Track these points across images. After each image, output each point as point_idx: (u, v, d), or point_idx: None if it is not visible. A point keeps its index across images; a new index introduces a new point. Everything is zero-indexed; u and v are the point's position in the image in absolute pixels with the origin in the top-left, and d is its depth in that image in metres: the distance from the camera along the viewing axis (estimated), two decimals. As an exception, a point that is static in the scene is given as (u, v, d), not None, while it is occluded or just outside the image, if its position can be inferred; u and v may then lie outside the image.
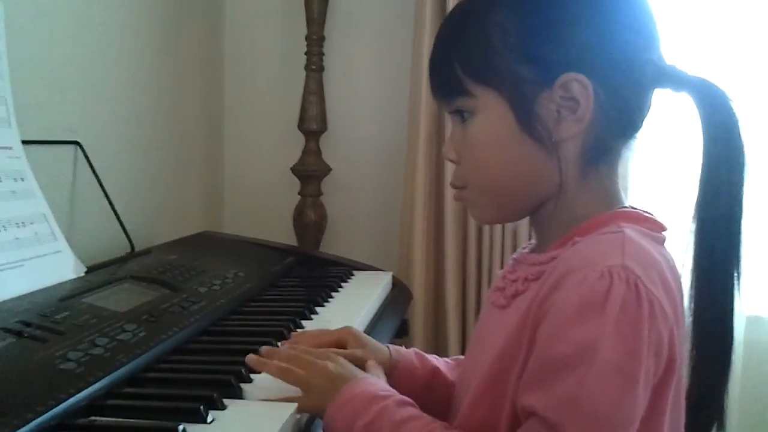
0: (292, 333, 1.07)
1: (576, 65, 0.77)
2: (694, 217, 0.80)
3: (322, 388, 0.85)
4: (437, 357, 1.05)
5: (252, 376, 0.90)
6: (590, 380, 0.68)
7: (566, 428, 0.68)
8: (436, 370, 1.01)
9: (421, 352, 1.04)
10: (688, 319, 0.80)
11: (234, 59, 2.23)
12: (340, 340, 1.00)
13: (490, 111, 0.81)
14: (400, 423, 0.79)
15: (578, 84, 0.77)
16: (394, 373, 0.98)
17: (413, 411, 0.82)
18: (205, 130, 2.12)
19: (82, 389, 0.79)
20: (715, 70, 1.83)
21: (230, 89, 2.24)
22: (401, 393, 0.86)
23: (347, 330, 1.02)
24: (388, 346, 1.02)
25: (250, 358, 0.91)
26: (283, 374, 0.88)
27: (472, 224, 1.95)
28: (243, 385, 0.87)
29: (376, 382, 0.88)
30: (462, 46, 0.82)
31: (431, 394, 0.97)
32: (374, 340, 1.03)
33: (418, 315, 1.96)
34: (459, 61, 0.82)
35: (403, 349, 1.03)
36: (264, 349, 0.94)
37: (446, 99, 0.86)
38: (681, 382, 0.77)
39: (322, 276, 1.53)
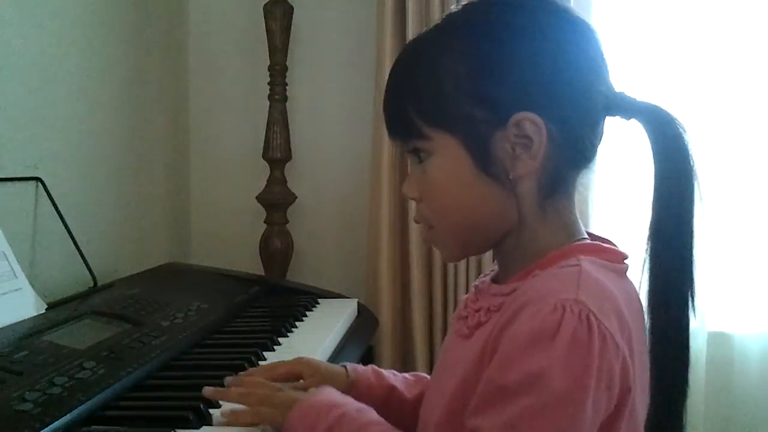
0: (244, 372, 1.06)
1: (527, 104, 0.79)
2: (647, 239, 0.81)
3: (283, 402, 0.89)
4: (395, 373, 1.07)
5: (211, 411, 0.91)
6: (534, 408, 0.70)
7: None
8: (392, 388, 1.03)
9: (378, 369, 1.06)
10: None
11: (198, 90, 2.24)
12: (294, 372, 1.01)
13: (447, 153, 0.82)
14: (361, 427, 0.83)
15: (530, 123, 0.79)
16: (352, 392, 1.00)
17: (372, 416, 0.86)
18: (170, 161, 2.12)
19: (39, 430, 0.79)
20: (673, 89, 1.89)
21: (195, 120, 2.25)
22: None
23: (300, 361, 1.03)
24: (345, 366, 1.04)
25: (207, 390, 0.93)
26: (242, 399, 0.91)
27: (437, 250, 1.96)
28: (202, 422, 0.88)
29: (334, 391, 0.92)
30: (414, 91, 0.84)
31: (388, 411, 0.99)
32: (329, 364, 1.06)
33: (386, 340, 1.97)
34: (412, 106, 0.83)
35: (360, 367, 1.05)
36: (214, 391, 0.95)
37: (402, 141, 0.87)
38: (636, 410, 0.78)
39: (287, 305, 1.53)
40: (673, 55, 1.95)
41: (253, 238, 2.11)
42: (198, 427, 0.87)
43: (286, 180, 2.09)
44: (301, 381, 1.00)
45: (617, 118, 0.84)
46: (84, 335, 1.10)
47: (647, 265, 0.81)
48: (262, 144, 2.06)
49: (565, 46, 0.81)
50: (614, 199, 1.94)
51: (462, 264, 1.93)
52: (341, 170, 2.20)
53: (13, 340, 1.03)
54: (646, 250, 0.81)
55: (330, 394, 0.90)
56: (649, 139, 0.81)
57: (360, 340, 1.46)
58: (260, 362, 1.12)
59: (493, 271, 0.91)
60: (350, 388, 1.00)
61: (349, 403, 0.87)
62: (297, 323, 1.40)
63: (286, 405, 0.88)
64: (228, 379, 0.97)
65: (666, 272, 0.80)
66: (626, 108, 0.83)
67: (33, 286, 1.23)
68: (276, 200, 2.07)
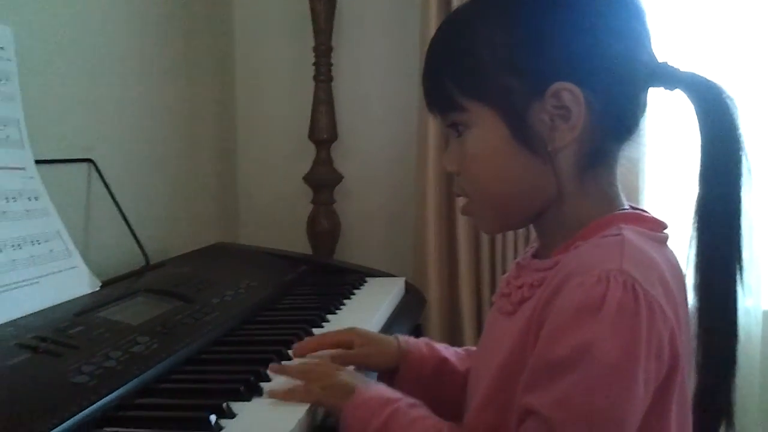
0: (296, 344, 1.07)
1: (565, 74, 0.78)
2: (695, 213, 0.80)
3: (337, 386, 0.89)
4: (447, 347, 1.07)
5: (262, 384, 0.92)
6: (586, 381, 0.69)
7: (562, 426, 0.69)
8: (444, 360, 1.03)
9: (431, 342, 1.07)
10: (693, 316, 0.81)
11: (244, 72, 2.26)
12: (343, 342, 1.03)
13: (484, 124, 0.82)
14: (411, 423, 0.83)
15: (568, 93, 0.78)
16: (404, 362, 1.01)
17: (423, 411, 0.85)
18: (217, 143, 2.15)
19: (95, 401, 0.81)
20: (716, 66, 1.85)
21: (241, 102, 2.27)
22: (410, 381, 0.92)
23: (351, 330, 1.04)
24: (397, 337, 1.05)
25: (273, 366, 0.94)
26: (301, 375, 0.92)
27: (485, 228, 1.95)
28: (253, 394, 0.89)
29: (385, 387, 0.92)
30: (451, 62, 0.84)
31: (440, 383, 1.00)
32: (380, 335, 1.07)
33: (434, 319, 1.97)
34: (450, 78, 0.83)
35: (412, 339, 1.06)
36: (279, 367, 0.96)
37: (441, 113, 0.87)
38: (686, 381, 0.78)
39: (335, 283, 1.54)
40: (725, 25, 1.90)
41: (300, 218, 2.12)
42: (249, 399, 0.88)
43: (332, 160, 2.10)
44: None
45: (661, 89, 0.82)
46: (137, 312, 1.12)
47: (694, 240, 0.80)
48: (308, 124, 2.07)
49: (605, 15, 0.80)
50: (667, 174, 1.89)
51: (510, 242, 1.92)
52: (387, 149, 2.20)
53: (69, 316, 1.05)
54: (693, 224, 0.80)
55: (382, 389, 0.90)
56: (695, 109, 0.79)
57: (408, 318, 1.46)
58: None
59: (533, 247, 0.91)
60: (401, 358, 1.01)
61: (402, 398, 0.87)
62: (345, 301, 1.41)
63: (341, 390, 0.88)
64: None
65: (713, 247, 0.79)
66: (669, 78, 0.81)
67: (87, 264, 1.25)
68: (322, 180, 2.08)
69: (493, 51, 0.80)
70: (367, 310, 1.35)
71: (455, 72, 0.83)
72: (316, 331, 1.19)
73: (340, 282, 1.55)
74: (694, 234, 0.80)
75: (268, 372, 0.94)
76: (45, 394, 0.81)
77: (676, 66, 0.82)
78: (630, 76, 0.80)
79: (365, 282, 1.58)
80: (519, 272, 0.87)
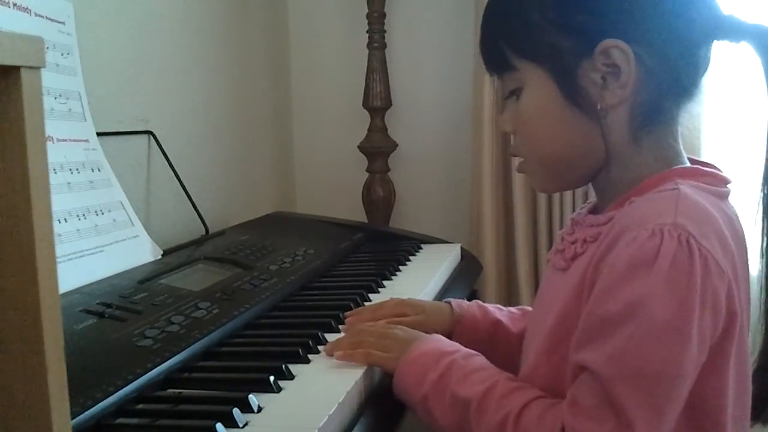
0: (347, 313, 1.07)
1: (614, 31, 0.77)
2: (764, 177, 0.79)
3: (394, 347, 0.89)
4: (500, 308, 1.08)
5: (320, 347, 0.93)
6: (639, 336, 0.69)
7: (616, 383, 0.69)
8: (497, 323, 1.04)
9: (483, 304, 1.07)
10: (759, 280, 0.80)
11: (298, 41, 2.26)
12: (397, 313, 1.03)
13: (535, 84, 0.82)
14: (468, 374, 0.83)
15: (617, 50, 0.77)
16: (457, 327, 1.02)
17: (479, 362, 0.86)
18: (273, 113, 2.17)
19: (159, 364, 0.83)
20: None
21: (296, 71, 2.27)
22: (465, 345, 0.90)
23: (403, 302, 1.04)
24: (450, 302, 1.05)
25: (326, 347, 0.93)
26: (355, 347, 0.91)
27: (542, 194, 1.94)
28: (311, 356, 0.91)
29: (442, 339, 0.92)
30: (503, 23, 0.84)
31: (494, 346, 1.01)
32: (433, 302, 1.07)
33: (490, 286, 1.97)
34: (503, 38, 0.84)
35: (465, 303, 1.07)
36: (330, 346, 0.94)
37: (497, 74, 0.88)
38: (745, 337, 0.77)
39: (390, 250, 1.55)
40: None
41: (355, 187, 2.13)
42: (308, 362, 0.89)
43: (387, 128, 2.10)
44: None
45: (725, 43, 0.80)
46: (198, 278, 1.15)
47: (762, 204, 0.79)
48: (362, 92, 2.07)
49: None
50: (729, 133, 1.83)
51: (568, 207, 1.90)
52: (442, 116, 2.19)
53: (132, 283, 1.08)
54: (762, 188, 0.79)
55: (438, 341, 0.90)
56: (762, 63, 0.77)
57: (464, 284, 1.46)
58: (365, 303, 1.14)
59: (590, 203, 0.90)
60: (455, 323, 1.02)
61: (458, 350, 0.88)
62: (401, 267, 1.41)
63: (398, 349, 0.88)
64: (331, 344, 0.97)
65: None
66: (735, 30, 0.79)
67: (148, 233, 1.28)
68: (377, 148, 2.09)
69: (541, 9, 0.80)
70: (423, 276, 1.35)
71: (507, 32, 0.84)
72: (372, 296, 1.20)
73: (396, 249, 1.55)
74: (763, 198, 0.79)
75: (326, 352, 0.93)
76: (111, 357, 0.83)
77: (742, 18, 0.79)
78: (686, 32, 0.78)
79: (420, 249, 1.59)
80: (574, 228, 0.87)
